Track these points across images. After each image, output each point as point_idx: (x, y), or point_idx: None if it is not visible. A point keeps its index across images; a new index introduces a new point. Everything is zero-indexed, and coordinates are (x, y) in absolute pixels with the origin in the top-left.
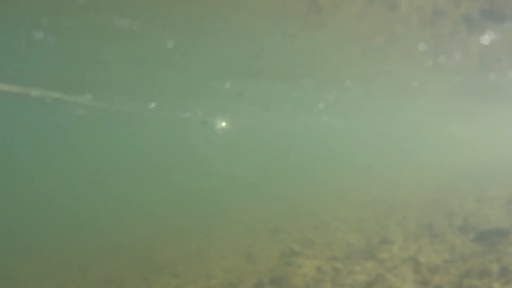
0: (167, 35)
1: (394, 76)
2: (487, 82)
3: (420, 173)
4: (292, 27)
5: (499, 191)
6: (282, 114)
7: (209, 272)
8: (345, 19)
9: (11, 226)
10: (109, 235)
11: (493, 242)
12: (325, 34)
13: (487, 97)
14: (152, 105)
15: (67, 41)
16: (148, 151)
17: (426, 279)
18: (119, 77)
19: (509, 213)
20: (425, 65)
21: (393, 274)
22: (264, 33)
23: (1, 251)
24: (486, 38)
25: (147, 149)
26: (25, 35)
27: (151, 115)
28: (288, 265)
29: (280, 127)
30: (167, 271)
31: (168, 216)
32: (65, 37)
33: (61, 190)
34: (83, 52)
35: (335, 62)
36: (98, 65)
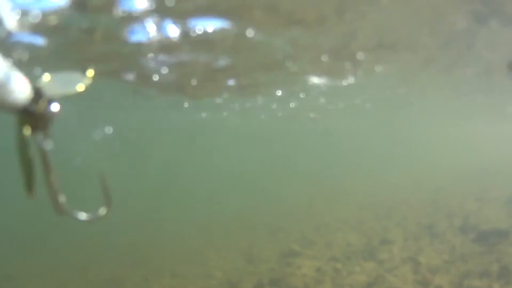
0: None
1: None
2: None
3: (420, 173)
4: None
5: (499, 191)
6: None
7: (209, 272)
8: None
9: (11, 226)
10: (109, 235)
11: (493, 242)
12: None
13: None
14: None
15: None
16: (148, 152)
17: (426, 280)
18: None
19: (509, 213)
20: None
21: (393, 274)
22: None
23: (1, 251)
24: None
25: (150, 148)
26: None
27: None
28: (288, 265)
29: (281, 127)
30: (167, 271)
31: (168, 216)
32: None
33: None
34: None
35: None
36: None
